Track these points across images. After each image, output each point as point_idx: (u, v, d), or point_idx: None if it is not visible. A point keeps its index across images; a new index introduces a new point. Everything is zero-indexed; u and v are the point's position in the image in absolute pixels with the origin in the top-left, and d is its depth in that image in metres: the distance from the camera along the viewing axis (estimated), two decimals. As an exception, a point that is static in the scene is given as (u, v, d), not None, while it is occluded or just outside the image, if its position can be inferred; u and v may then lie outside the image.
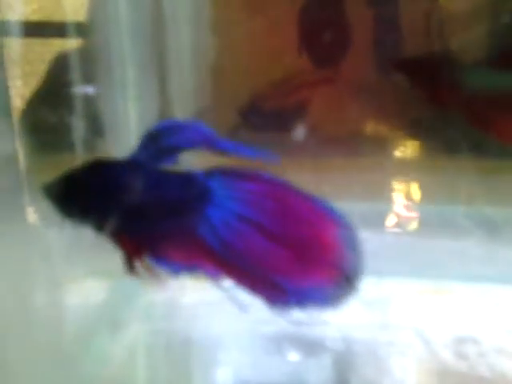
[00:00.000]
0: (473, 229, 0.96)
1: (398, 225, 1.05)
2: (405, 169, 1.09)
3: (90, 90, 0.83)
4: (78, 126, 0.76)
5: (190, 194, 0.54)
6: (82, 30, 0.87)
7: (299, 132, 1.02)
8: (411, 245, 0.98)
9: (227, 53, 0.97)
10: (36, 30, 1.02)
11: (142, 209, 0.54)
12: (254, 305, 0.94)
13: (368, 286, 0.97)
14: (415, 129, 1.06)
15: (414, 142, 1.09)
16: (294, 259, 0.55)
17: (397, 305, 0.89)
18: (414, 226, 1.05)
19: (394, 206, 1.07)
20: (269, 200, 0.53)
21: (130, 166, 0.54)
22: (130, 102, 0.85)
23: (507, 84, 0.80)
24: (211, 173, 0.54)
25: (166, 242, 0.55)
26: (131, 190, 0.53)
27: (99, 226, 0.55)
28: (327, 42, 1.04)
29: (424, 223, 1.04)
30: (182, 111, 0.85)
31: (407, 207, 1.07)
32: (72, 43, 0.90)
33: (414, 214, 1.06)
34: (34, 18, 1.02)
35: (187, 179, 0.54)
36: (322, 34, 1.04)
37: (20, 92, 0.98)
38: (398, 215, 1.06)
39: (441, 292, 0.91)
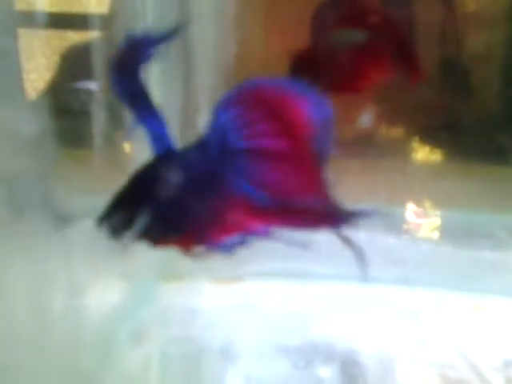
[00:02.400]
0: (508, 239, 0.93)
1: (429, 232, 1.02)
2: (434, 174, 1.06)
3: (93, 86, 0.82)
4: (98, 119, 0.74)
5: (211, 156, 0.51)
6: (102, 22, 0.85)
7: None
8: (443, 254, 0.94)
9: (249, 50, 0.96)
10: (54, 21, 1.01)
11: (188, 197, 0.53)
12: (280, 313, 0.93)
13: (400, 297, 0.96)
14: (439, 133, 1.04)
15: (440, 146, 1.07)
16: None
17: (433, 319, 0.85)
18: (445, 234, 1.01)
19: (422, 212, 1.04)
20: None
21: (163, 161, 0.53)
22: (152, 93, 0.83)
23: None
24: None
25: (212, 220, 0.53)
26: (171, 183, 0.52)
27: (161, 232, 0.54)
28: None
29: (458, 232, 1.00)
30: (205, 105, 0.83)
31: (435, 214, 1.04)
32: (91, 36, 0.89)
33: (439, 222, 1.04)
34: (53, 9, 1.01)
35: (203, 144, 0.52)
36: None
37: (34, 85, 0.96)
38: (427, 222, 1.03)
39: (480, 308, 0.87)
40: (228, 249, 0.53)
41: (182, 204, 0.53)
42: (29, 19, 0.73)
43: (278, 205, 0.51)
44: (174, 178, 0.53)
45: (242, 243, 0.53)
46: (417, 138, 1.07)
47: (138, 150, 0.87)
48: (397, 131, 1.07)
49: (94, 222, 0.55)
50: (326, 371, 0.74)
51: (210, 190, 0.52)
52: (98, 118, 0.77)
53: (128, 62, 0.52)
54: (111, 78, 0.52)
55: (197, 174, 0.53)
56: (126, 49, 0.53)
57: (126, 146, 0.83)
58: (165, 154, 0.54)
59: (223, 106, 0.50)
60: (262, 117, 0.50)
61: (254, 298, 0.91)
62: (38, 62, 0.92)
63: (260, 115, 0.50)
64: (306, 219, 0.52)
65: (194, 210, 0.53)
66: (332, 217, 0.51)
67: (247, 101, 0.50)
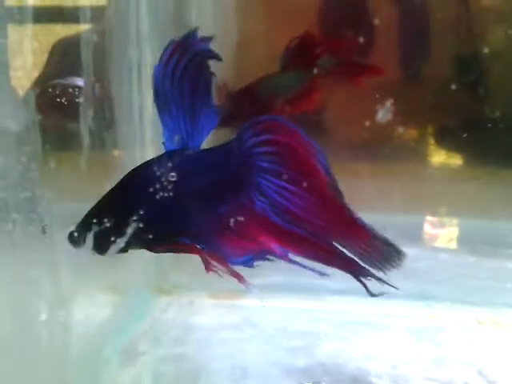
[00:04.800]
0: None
1: (447, 242, 1.00)
2: (452, 179, 1.04)
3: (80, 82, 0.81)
4: (86, 115, 0.73)
5: (234, 165, 0.52)
6: (93, 14, 0.85)
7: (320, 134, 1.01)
8: (463, 265, 0.93)
9: (248, 38, 0.98)
10: (44, 16, 1.00)
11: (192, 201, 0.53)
12: (284, 331, 0.90)
13: (415, 313, 0.94)
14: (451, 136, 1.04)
15: (458, 149, 1.06)
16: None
17: (451, 336, 0.83)
18: (465, 244, 1.00)
19: (439, 221, 1.02)
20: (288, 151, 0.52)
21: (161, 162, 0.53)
22: (145, 85, 0.81)
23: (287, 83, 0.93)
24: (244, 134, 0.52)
25: (229, 232, 0.53)
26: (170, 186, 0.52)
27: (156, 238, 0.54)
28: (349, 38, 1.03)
29: (476, 241, 0.98)
30: None
31: (454, 222, 1.02)
32: (80, 29, 0.88)
33: (458, 230, 1.02)
34: (44, 3, 1.01)
35: (225, 152, 0.53)
36: (342, 28, 1.02)
37: (21, 84, 0.95)
38: (445, 231, 1.01)
39: (502, 324, 0.85)
40: (244, 263, 0.54)
41: (197, 205, 0.53)
42: (18, 14, 0.72)
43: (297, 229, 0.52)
44: (186, 178, 0.53)
45: (258, 259, 0.53)
46: (433, 141, 1.05)
47: (128, 152, 0.85)
48: (411, 133, 1.06)
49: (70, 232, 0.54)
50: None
51: (229, 197, 0.53)
52: (86, 116, 0.75)
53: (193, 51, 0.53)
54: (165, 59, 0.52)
55: (214, 178, 0.53)
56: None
57: (115, 146, 0.82)
58: (177, 153, 0.54)
59: (250, 127, 0.51)
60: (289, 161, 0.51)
61: (257, 315, 0.88)
62: (25, 59, 0.91)
63: (287, 159, 0.51)
64: (319, 254, 0.53)
65: (208, 212, 0.53)
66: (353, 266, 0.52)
67: (276, 139, 0.51)
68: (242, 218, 0.53)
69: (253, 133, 0.51)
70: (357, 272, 0.52)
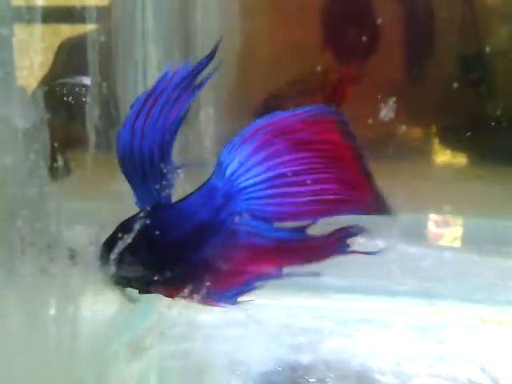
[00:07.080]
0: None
1: (451, 241, 1.01)
2: (456, 178, 1.05)
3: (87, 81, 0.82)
4: (93, 114, 0.74)
5: (215, 202, 0.54)
6: (99, 14, 0.86)
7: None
8: (467, 263, 0.94)
9: (253, 40, 0.99)
10: (50, 15, 1.02)
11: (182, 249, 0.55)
12: (288, 328, 0.91)
13: (419, 310, 0.95)
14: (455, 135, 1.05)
15: (462, 148, 1.06)
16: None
17: (454, 333, 0.85)
18: (469, 242, 1.01)
19: (443, 219, 1.04)
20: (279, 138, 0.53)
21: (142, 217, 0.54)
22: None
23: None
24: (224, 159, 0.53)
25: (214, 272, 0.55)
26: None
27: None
28: (353, 38, 1.03)
29: (480, 239, 0.99)
30: (206, 95, 0.85)
31: (458, 221, 1.03)
32: (86, 29, 0.89)
33: (462, 229, 1.04)
34: (50, 3, 1.02)
35: (206, 191, 0.54)
36: (347, 28, 1.04)
37: (28, 83, 0.97)
38: (449, 230, 1.03)
39: (505, 322, 0.87)
40: (234, 297, 0.57)
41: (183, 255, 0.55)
42: (25, 14, 0.74)
43: (286, 238, 0.54)
44: (169, 229, 0.54)
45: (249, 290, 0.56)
46: (437, 140, 1.06)
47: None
48: (415, 132, 1.07)
49: None
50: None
51: (213, 239, 0.54)
52: (92, 115, 0.77)
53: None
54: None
55: (198, 222, 0.54)
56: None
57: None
58: (158, 207, 0.55)
59: (230, 149, 0.53)
60: (291, 147, 0.53)
61: (261, 312, 0.89)
62: (32, 59, 0.93)
63: (288, 146, 0.53)
64: (312, 253, 0.54)
65: (196, 260, 0.55)
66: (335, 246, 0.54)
67: (265, 138, 0.52)
68: (228, 255, 0.54)
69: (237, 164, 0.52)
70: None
